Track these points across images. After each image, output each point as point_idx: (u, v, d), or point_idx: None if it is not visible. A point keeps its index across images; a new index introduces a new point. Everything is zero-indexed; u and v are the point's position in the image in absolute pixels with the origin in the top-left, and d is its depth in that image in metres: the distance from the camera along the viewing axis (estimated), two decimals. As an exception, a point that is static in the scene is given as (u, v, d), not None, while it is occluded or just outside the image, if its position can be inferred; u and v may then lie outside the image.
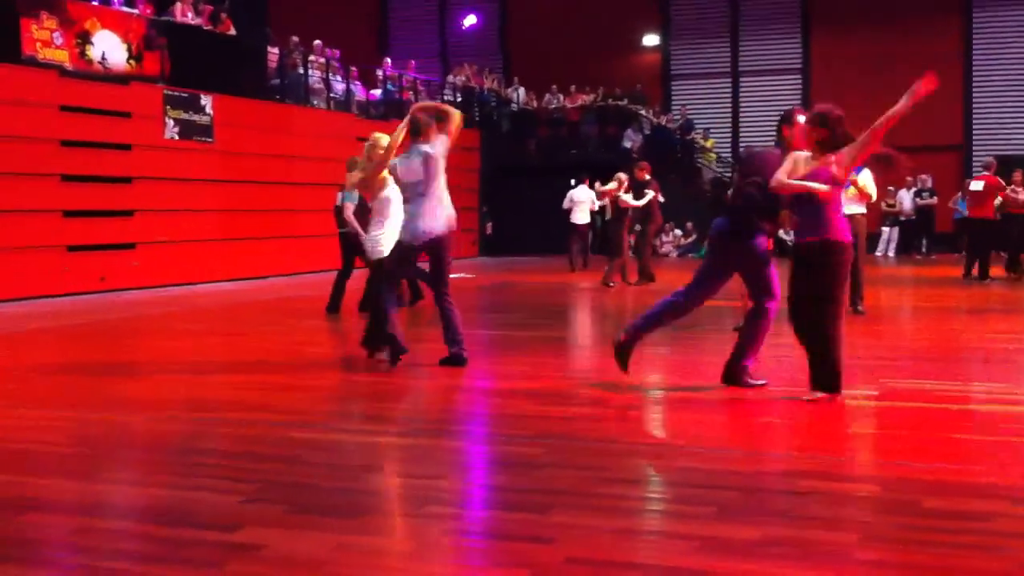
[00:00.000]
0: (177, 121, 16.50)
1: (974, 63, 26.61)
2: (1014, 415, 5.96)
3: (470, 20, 29.48)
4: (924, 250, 24.83)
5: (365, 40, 29.15)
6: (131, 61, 15.77)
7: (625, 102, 26.90)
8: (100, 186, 15.29)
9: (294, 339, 10.42)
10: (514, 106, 27.77)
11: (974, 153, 26.27)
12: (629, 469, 4.86)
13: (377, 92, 22.50)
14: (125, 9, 16.37)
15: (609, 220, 17.55)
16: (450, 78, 26.54)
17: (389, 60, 24.13)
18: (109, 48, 15.38)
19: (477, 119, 26.04)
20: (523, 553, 3.59)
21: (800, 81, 27.50)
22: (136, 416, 6.13)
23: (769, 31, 28.15)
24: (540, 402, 6.38)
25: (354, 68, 21.95)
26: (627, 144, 25.89)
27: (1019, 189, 16.83)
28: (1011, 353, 8.47)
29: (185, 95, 16.66)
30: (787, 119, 6.81)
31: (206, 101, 17.06)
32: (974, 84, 26.62)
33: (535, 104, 27.70)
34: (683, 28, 28.86)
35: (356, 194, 10.88)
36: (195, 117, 16.86)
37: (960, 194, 19.66)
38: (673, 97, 28.99)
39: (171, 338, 10.29)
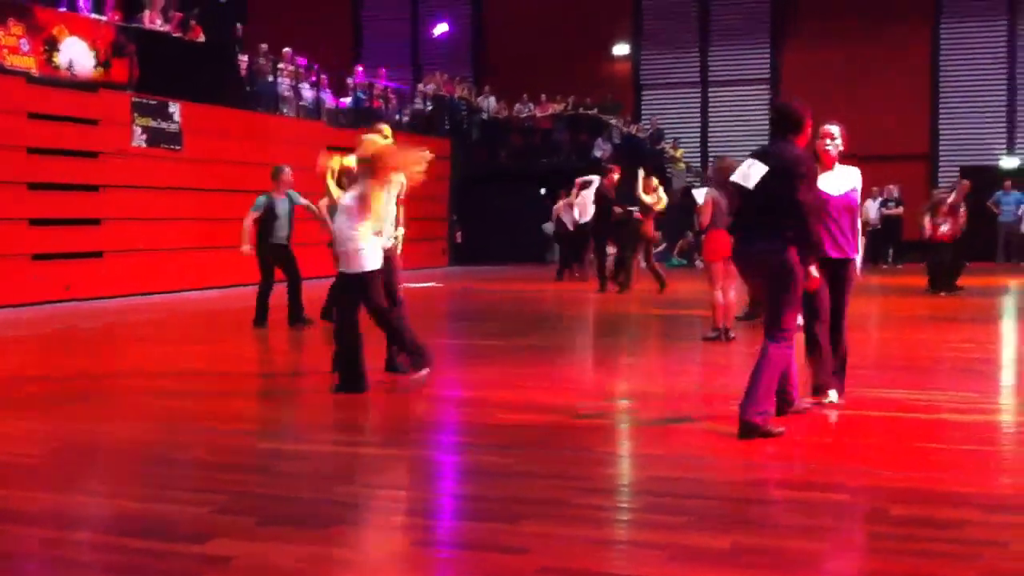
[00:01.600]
0: (145, 128, 16.37)
1: (941, 73, 26.86)
2: (982, 424, 6.01)
3: (441, 28, 29.47)
4: (890, 260, 24.97)
5: (339, 48, 29.06)
6: (99, 68, 15.64)
7: (595, 112, 26.96)
8: (67, 194, 15.14)
9: (265, 348, 10.38)
10: (484, 115, 27.76)
11: (940, 163, 26.54)
12: (602, 478, 4.86)
13: (347, 100, 22.44)
14: (93, 16, 16.24)
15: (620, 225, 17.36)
16: (421, 86, 26.50)
17: (360, 68, 24.06)
18: (77, 55, 15.24)
19: (447, 128, 26.01)
20: (495, 563, 3.58)
21: (768, 91, 27.66)
22: (108, 426, 6.07)
23: (738, 41, 28.32)
24: (512, 411, 6.37)
25: (324, 76, 21.87)
26: (597, 153, 25.93)
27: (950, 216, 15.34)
28: (977, 362, 8.55)
29: (153, 102, 16.55)
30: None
31: (174, 108, 16.94)
32: (941, 94, 26.88)
33: (506, 113, 27.71)
34: (653, 38, 29.00)
35: (263, 202, 11.27)
36: (163, 124, 16.73)
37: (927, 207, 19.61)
38: (643, 107, 29.12)
39: (142, 347, 10.20)
